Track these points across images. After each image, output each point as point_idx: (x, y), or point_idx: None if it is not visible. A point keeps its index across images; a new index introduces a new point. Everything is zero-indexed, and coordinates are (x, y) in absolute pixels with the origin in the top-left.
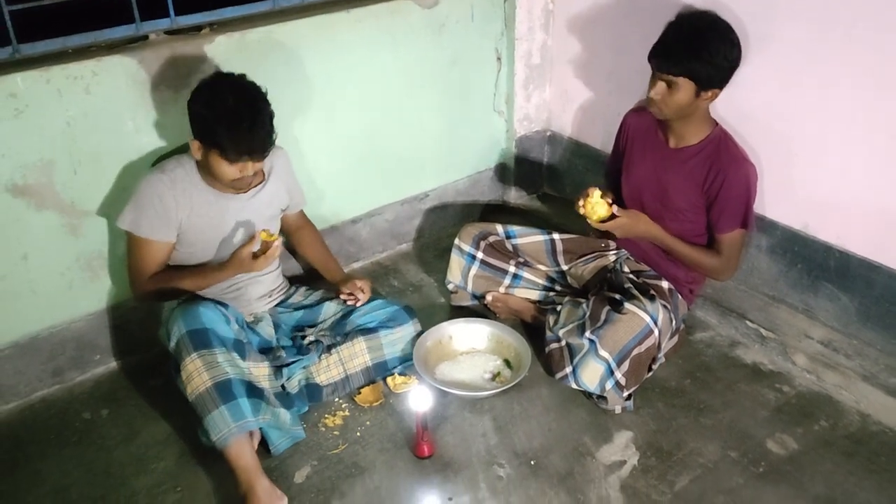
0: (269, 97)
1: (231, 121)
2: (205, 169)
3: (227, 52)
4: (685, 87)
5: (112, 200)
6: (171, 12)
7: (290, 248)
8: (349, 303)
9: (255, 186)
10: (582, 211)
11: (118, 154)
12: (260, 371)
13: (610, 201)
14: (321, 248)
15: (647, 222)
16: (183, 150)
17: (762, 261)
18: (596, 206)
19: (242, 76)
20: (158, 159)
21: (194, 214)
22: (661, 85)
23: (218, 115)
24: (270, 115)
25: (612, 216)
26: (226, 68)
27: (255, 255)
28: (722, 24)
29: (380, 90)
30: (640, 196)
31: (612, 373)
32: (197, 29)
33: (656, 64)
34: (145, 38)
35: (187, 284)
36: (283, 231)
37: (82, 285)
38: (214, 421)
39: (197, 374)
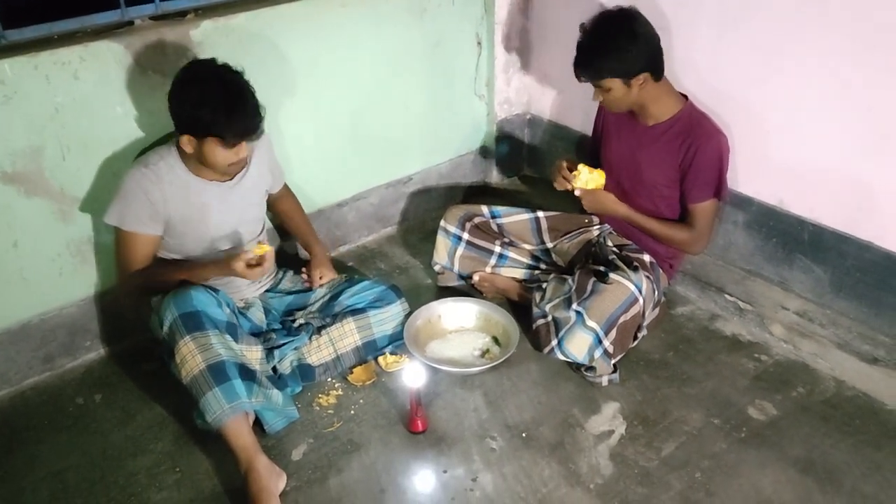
0: (255, 81)
1: (226, 110)
2: (195, 160)
3: (213, 36)
4: (612, 84)
5: (101, 186)
6: None
7: (276, 226)
8: (304, 283)
9: (240, 172)
10: (575, 184)
11: (107, 139)
12: (252, 354)
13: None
14: (300, 219)
15: (612, 201)
16: (162, 142)
17: (739, 236)
18: (588, 178)
19: (214, 60)
20: (140, 152)
21: (181, 206)
22: (595, 90)
23: (211, 109)
24: (254, 92)
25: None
26: (211, 53)
27: (250, 265)
28: (619, 16)
29: (364, 74)
30: (617, 173)
31: (600, 342)
32: (182, 14)
33: (578, 75)
34: (131, 23)
35: (177, 280)
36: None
37: (73, 271)
38: (209, 402)
39: (191, 357)
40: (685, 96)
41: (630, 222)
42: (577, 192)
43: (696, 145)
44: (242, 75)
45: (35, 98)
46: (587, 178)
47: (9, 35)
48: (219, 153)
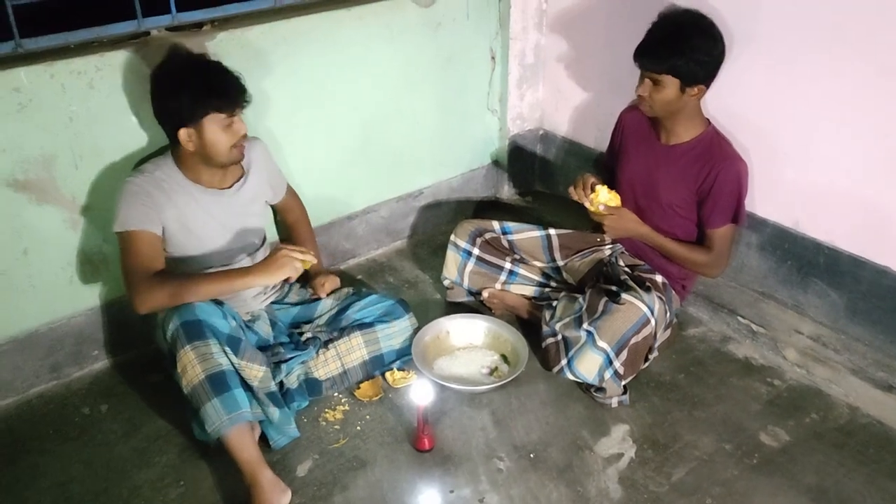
0: (268, 93)
1: (207, 80)
2: (198, 157)
3: (228, 48)
4: (669, 83)
5: (113, 195)
6: (173, 9)
7: (282, 239)
8: (311, 295)
9: (238, 181)
10: (589, 205)
11: (120, 149)
12: (252, 372)
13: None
14: (304, 231)
15: (635, 221)
16: (156, 155)
17: (752, 257)
18: (605, 196)
19: (174, 53)
20: (135, 166)
21: (180, 213)
22: (647, 83)
23: (193, 86)
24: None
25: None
26: (226, 64)
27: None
28: (704, 20)
29: (377, 87)
30: (633, 191)
31: (610, 363)
32: (198, 25)
33: (640, 62)
34: (147, 34)
35: (203, 287)
36: (273, 213)
37: (82, 280)
38: (208, 413)
39: (191, 367)
40: (707, 120)
41: (650, 243)
42: (601, 209)
43: (716, 170)
44: (206, 55)
45: (49, 106)
46: (606, 198)
47: (25, 43)
48: (219, 135)
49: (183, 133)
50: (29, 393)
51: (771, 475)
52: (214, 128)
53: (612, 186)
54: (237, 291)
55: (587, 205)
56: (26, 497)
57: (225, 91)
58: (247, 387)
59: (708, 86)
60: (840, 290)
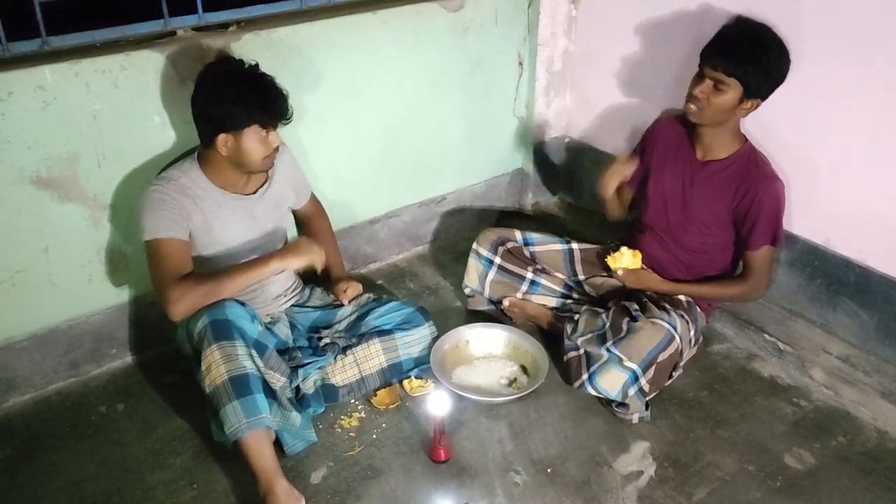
0: (292, 95)
1: (261, 93)
2: (228, 163)
3: (254, 49)
4: (733, 89)
5: (135, 194)
6: (199, 9)
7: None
8: (334, 301)
9: (262, 187)
10: (612, 263)
11: (143, 148)
12: (273, 379)
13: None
14: (327, 239)
15: (657, 281)
16: (178, 160)
17: (781, 274)
18: (627, 260)
19: (230, 58)
20: (159, 172)
21: (205, 217)
22: (708, 83)
23: (248, 99)
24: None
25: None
26: None
27: None
28: (779, 36)
29: (402, 91)
30: (664, 206)
31: (636, 379)
32: (224, 26)
33: (712, 61)
34: (173, 33)
35: (235, 279)
36: (295, 220)
37: (102, 278)
38: (227, 414)
39: (215, 367)
40: (744, 136)
41: (676, 293)
42: (619, 273)
43: (753, 190)
44: (258, 67)
45: (74, 105)
46: (629, 263)
47: (51, 41)
48: (256, 145)
49: (221, 138)
50: (47, 389)
51: (795, 499)
52: (252, 138)
53: (633, 201)
54: (267, 277)
55: (609, 263)
56: (41, 494)
57: (274, 108)
58: (269, 393)
59: (761, 103)
60: (871, 309)
